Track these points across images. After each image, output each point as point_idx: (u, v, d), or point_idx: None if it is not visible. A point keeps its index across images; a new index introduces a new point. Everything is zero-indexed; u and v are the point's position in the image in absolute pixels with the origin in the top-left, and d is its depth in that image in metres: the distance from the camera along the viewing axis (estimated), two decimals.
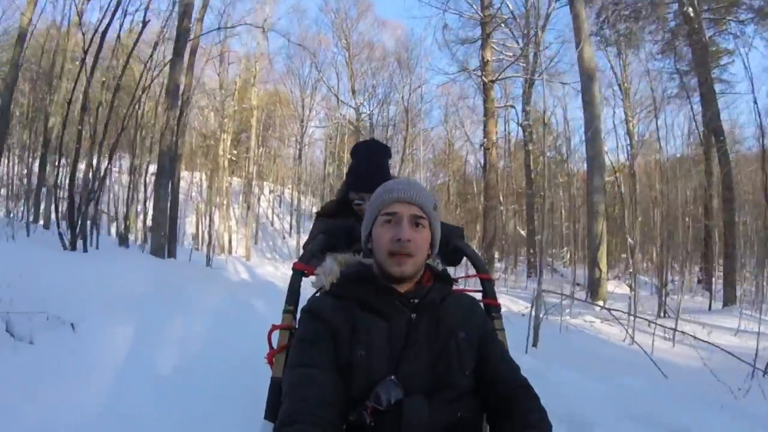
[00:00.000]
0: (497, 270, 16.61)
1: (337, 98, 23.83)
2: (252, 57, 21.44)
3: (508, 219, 21.18)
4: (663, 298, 8.55)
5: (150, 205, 10.53)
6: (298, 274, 1.47)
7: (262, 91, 23.37)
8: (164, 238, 9.07)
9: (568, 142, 20.73)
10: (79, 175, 6.27)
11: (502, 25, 16.23)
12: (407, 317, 1.10)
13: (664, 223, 10.16)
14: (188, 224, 19.98)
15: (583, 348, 5.39)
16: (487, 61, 15.18)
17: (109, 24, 5.94)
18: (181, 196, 13.43)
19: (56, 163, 10.32)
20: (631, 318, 5.99)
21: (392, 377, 1.01)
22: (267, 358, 1.31)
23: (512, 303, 8.07)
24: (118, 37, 8.48)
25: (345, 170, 2.13)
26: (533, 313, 5.16)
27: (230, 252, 19.55)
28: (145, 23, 6.45)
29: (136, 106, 7.65)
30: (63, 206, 6.82)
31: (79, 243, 5.59)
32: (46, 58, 12.07)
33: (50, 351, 2.85)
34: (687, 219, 16.07)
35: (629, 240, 16.42)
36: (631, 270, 11.07)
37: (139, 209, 11.58)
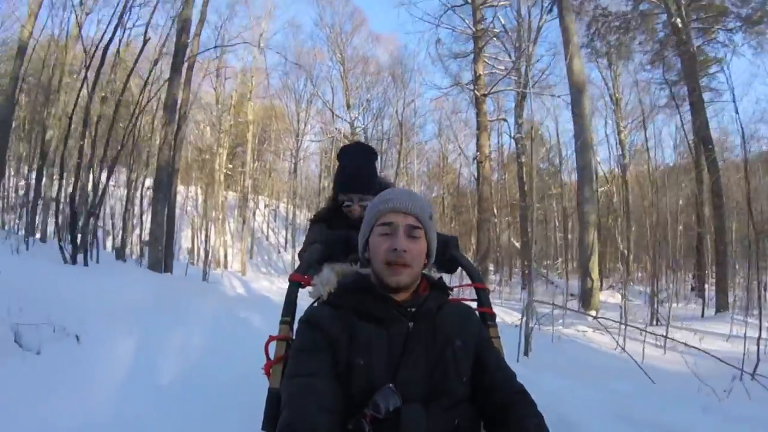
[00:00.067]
0: (492, 282, 16.68)
1: (332, 112, 24.04)
2: (248, 72, 21.65)
3: (502, 231, 21.31)
4: (655, 306, 8.66)
5: (145, 218, 10.60)
6: (295, 285, 1.48)
7: (257, 106, 23.57)
8: (161, 253, 9.13)
9: (560, 154, 21.04)
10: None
11: (494, 39, 16.54)
12: (405, 326, 1.11)
13: (655, 232, 10.29)
14: (183, 238, 19.97)
15: (575, 356, 5.48)
16: (480, 75, 15.45)
17: (110, 41, 6.07)
18: (177, 210, 13.48)
19: (55, 177, 10.39)
20: (623, 327, 6.08)
21: (390, 385, 1.02)
22: (264, 368, 1.32)
23: (506, 315, 8.13)
24: (117, 51, 8.64)
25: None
26: (524, 322, 5.25)
27: (226, 266, 19.52)
28: (146, 41, 6.58)
29: (135, 122, 7.72)
30: (59, 219, 6.87)
31: (79, 257, 5.66)
32: (45, 70, 12.17)
33: (56, 361, 2.93)
34: (680, 227, 16.31)
35: (621, 248, 16.66)
36: (622, 279, 11.19)
37: (134, 223, 11.62)
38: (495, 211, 19.98)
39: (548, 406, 1.05)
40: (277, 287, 13.02)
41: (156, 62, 8.31)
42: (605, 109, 19.03)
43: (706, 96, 13.04)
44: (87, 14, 10.21)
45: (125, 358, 3.51)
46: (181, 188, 20.11)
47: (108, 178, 6.51)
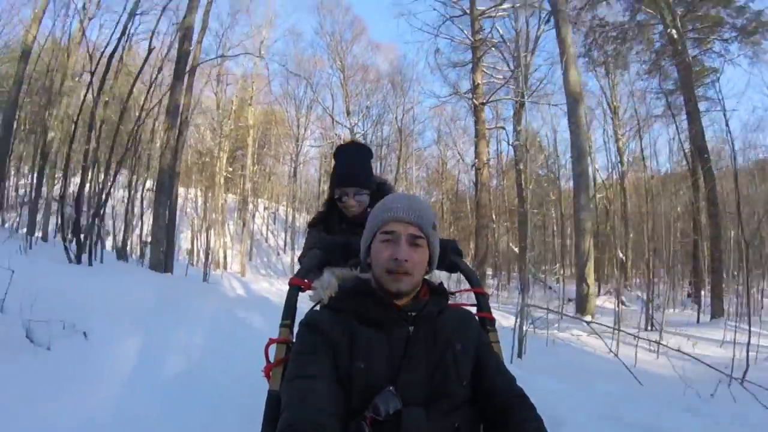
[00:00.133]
0: (489, 286, 16.78)
1: (332, 118, 24.23)
2: (249, 77, 21.81)
3: (500, 236, 21.43)
4: (650, 312, 8.76)
5: (146, 219, 10.71)
6: (295, 288, 1.48)
7: (258, 110, 23.72)
8: (162, 254, 9.22)
9: (558, 161, 21.19)
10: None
11: (493, 49, 16.72)
12: (405, 330, 1.11)
13: (650, 239, 10.40)
14: (183, 239, 20.05)
15: (568, 360, 5.57)
16: (478, 84, 15.62)
17: (115, 49, 6.19)
18: (177, 212, 13.59)
19: (59, 178, 10.51)
20: (617, 331, 6.17)
21: (391, 388, 1.02)
22: (264, 371, 1.31)
23: (503, 318, 8.21)
24: (121, 58, 8.77)
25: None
26: (517, 325, 5.36)
27: (225, 268, 19.62)
28: (150, 50, 6.71)
29: (139, 127, 7.84)
30: (63, 219, 6.98)
31: (83, 256, 5.76)
32: (47, 73, 12.28)
33: (66, 357, 3.04)
34: (678, 234, 16.42)
35: (620, 255, 16.77)
36: (618, 285, 11.29)
37: (134, 223, 11.73)
38: (494, 216, 20.11)
39: (537, 405, 1.13)
40: (276, 289, 13.10)
41: (160, 70, 8.43)
42: (603, 117, 19.26)
43: (703, 105, 13.25)
44: (90, 19, 10.39)
45: (130, 355, 3.61)
46: (181, 190, 20.24)
47: (113, 180, 6.62)
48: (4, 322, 2.89)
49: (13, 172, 13.00)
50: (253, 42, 19.90)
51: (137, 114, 8.24)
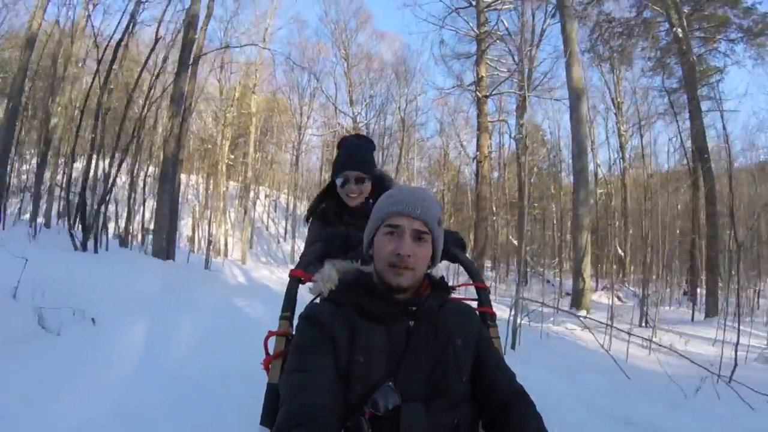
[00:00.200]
0: (488, 279, 16.92)
1: (335, 107, 24.18)
2: (253, 65, 21.73)
3: (500, 228, 21.53)
4: (644, 309, 8.88)
5: (147, 206, 10.79)
6: (295, 280, 1.47)
7: (260, 98, 23.66)
8: (165, 241, 9.34)
9: (560, 156, 21.24)
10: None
11: (498, 41, 16.67)
12: (405, 324, 1.10)
13: (647, 238, 10.50)
14: (184, 226, 20.16)
15: (560, 352, 5.68)
16: (482, 77, 15.61)
17: (121, 40, 6.23)
18: (179, 199, 13.68)
19: (61, 164, 10.57)
20: (610, 327, 6.28)
21: (390, 383, 1.02)
22: (263, 364, 1.30)
23: (499, 310, 8.25)
24: (126, 45, 8.79)
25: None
26: (511, 317, 5.48)
27: (226, 255, 19.76)
28: (157, 39, 6.75)
29: (144, 116, 7.89)
30: (68, 206, 7.08)
31: (89, 244, 5.87)
32: (50, 59, 12.26)
33: (75, 343, 3.17)
34: (677, 232, 16.52)
35: (619, 251, 16.90)
36: (614, 281, 11.41)
37: (135, 209, 11.84)
38: (494, 209, 20.20)
39: None
40: (276, 277, 13.25)
41: (165, 59, 8.45)
42: (606, 112, 19.27)
43: (707, 105, 13.23)
44: (95, 5, 10.40)
45: (136, 342, 3.73)
46: (182, 177, 20.30)
47: (118, 168, 6.71)
48: (18, 309, 3.00)
49: (15, 158, 13.02)
50: (257, 29, 19.85)
51: (142, 102, 8.26)
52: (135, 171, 10.87)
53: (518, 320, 5.47)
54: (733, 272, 11.98)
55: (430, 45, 22.66)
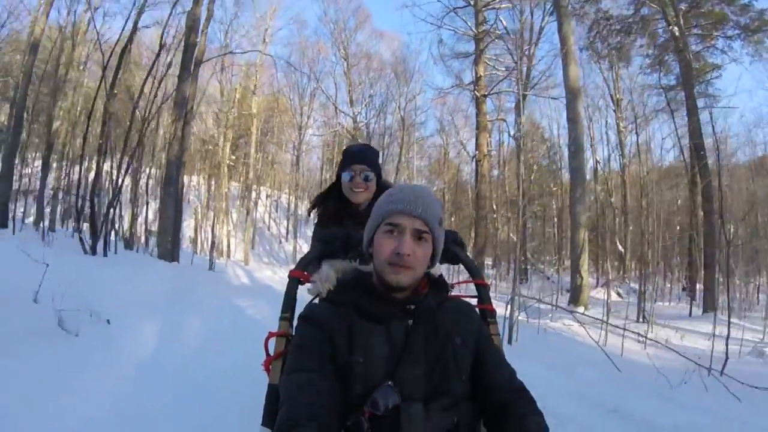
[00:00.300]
0: (488, 276, 17.04)
1: (335, 107, 24.28)
2: (253, 65, 21.83)
3: (501, 226, 21.64)
4: (642, 304, 9.02)
5: (150, 208, 10.90)
6: (295, 281, 1.46)
7: (261, 98, 23.76)
8: (170, 243, 9.48)
9: (560, 152, 21.33)
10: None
11: (496, 40, 16.76)
12: (404, 323, 1.09)
13: (644, 234, 10.63)
14: (186, 227, 20.28)
15: (557, 347, 5.84)
16: (480, 76, 15.71)
17: (125, 48, 6.37)
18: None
19: (65, 168, 10.70)
20: (605, 323, 6.42)
21: (389, 383, 1.01)
22: (264, 364, 1.30)
23: (497, 307, 8.39)
24: (129, 50, 8.93)
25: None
26: (508, 312, 5.64)
27: (229, 256, 19.90)
28: (162, 46, 6.88)
29: (149, 120, 8.03)
30: (62, 208, 7.22)
31: (98, 247, 6.02)
32: (53, 63, 12.36)
33: (92, 343, 3.33)
34: (677, 228, 16.62)
35: (619, 247, 17.03)
36: (612, 278, 11.54)
37: (138, 212, 11.97)
38: (494, 207, 20.33)
39: None
40: (279, 277, 13.43)
41: (170, 65, 8.58)
42: (605, 108, 19.37)
43: (704, 102, 13.33)
44: (96, 8, 10.54)
45: (145, 342, 3.89)
46: (184, 178, 20.40)
47: (126, 173, 6.86)
48: (39, 311, 3.17)
49: (17, 161, 13.14)
50: (257, 31, 19.98)
51: (145, 106, 8.38)
52: (138, 173, 11.00)
53: (515, 316, 5.61)
54: (722, 268, 12.14)
55: (428, 44, 22.61)
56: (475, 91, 15.80)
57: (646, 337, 5.51)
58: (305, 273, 1.46)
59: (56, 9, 11.42)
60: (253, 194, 24.12)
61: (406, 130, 22.13)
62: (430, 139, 26.02)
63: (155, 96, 7.75)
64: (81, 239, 5.90)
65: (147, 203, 11.77)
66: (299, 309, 1.21)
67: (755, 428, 2.94)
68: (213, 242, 13.85)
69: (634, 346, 6.12)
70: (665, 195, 14.92)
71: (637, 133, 11.88)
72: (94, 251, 5.86)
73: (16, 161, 12.82)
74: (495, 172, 21.98)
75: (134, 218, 10.33)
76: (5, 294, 3.29)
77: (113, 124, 10.57)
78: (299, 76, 23.38)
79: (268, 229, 26.09)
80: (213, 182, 22.13)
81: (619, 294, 13.45)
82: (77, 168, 8.36)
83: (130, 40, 6.54)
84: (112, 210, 6.59)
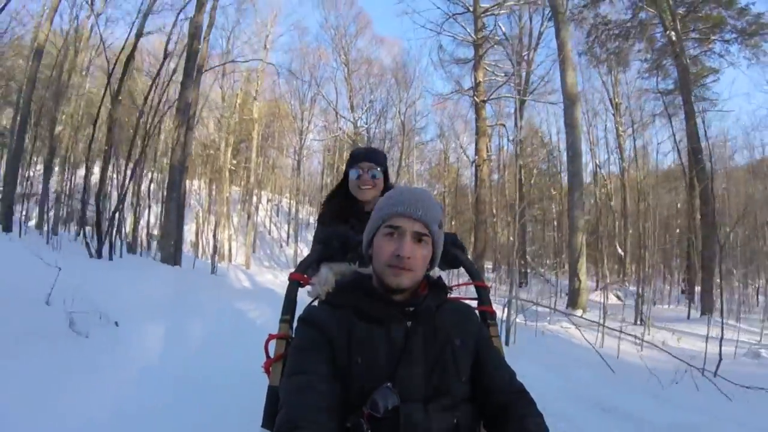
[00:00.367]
0: (488, 280, 17.10)
1: (336, 112, 24.42)
2: (255, 71, 21.99)
3: (501, 230, 21.72)
4: (639, 307, 9.10)
5: (151, 212, 10.98)
6: (294, 284, 1.47)
7: (262, 103, 23.91)
8: (173, 248, 9.58)
9: (559, 156, 21.43)
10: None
11: (495, 46, 16.89)
12: (404, 325, 1.09)
13: (642, 238, 10.72)
14: (188, 232, 20.35)
15: (554, 349, 5.91)
16: (479, 82, 15.83)
17: (130, 55, 6.49)
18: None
19: (68, 173, 10.82)
20: (602, 326, 6.51)
21: (388, 384, 1.01)
22: (264, 367, 1.31)
23: (498, 311, 8.47)
24: (133, 57, 9.06)
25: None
26: (506, 315, 5.73)
27: (230, 260, 19.99)
28: (166, 55, 7.01)
29: (153, 127, 8.15)
30: (64, 212, 7.33)
31: (103, 251, 6.13)
32: (56, 69, 12.45)
33: (101, 344, 3.42)
34: (677, 230, 16.69)
35: (619, 250, 17.10)
36: (608, 281, 11.61)
37: (139, 216, 12.06)
38: (494, 211, 20.41)
39: None
40: (280, 281, 13.47)
41: (174, 71, 8.71)
42: (605, 113, 19.50)
43: (702, 105, 13.42)
44: (98, 15, 10.69)
45: (150, 345, 3.97)
46: (186, 183, 20.49)
47: (131, 179, 6.97)
48: (51, 313, 3.27)
49: (21, 165, 13.24)
50: (258, 38, 20.16)
51: (148, 112, 8.48)
52: (140, 178, 11.11)
53: (512, 318, 5.70)
54: (718, 270, 12.20)
55: (428, 50, 22.80)
56: (475, 97, 15.91)
57: (642, 339, 5.58)
58: (305, 276, 1.48)
59: (59, 14, 11.54)
60: (254, 198, 24.24)
61: (407, 134, 22.25)
62: (430, 143, 26.21)
63: (160, 103, 7.85)
64: (87, 243, 6.01)
65: (149, 207, 11.86)
66: (299, 311, 1.21)
67: (750, 428, 3.00)
68: (215, 246, 13.92)
69: (630, 348, 6.20)
70: (664, 198, 14.98)
71: (634, 137, 11.97)
72: (99, 255, 5.97)
73: (21, 164, 13.01)
74: (495, 177, 22.09)
75: (137, 222, 10.44)
76: (19, 295, 3.39)
77: (116, 129, 10.73)
78: (300, 82, 23.56)
79: (269, 233, 26.20)
80: (214, 186, 22.25)
81: (618, 297, 13.49)
82: (79, 172, 8.45)
83: (134, 47, 6.64)
84: (117, 214, 6.68)
